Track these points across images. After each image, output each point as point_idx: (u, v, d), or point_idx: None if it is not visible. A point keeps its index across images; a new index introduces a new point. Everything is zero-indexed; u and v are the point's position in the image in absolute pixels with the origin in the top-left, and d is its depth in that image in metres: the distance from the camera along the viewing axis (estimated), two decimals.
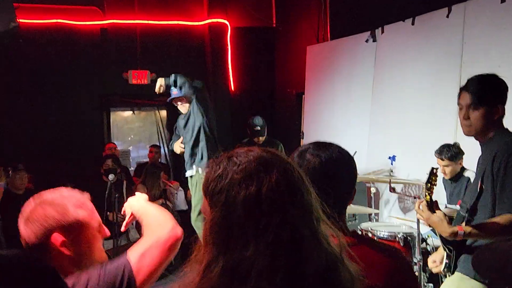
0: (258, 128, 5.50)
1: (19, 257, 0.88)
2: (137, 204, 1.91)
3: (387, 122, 5.21)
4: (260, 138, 5.50)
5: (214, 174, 0.97)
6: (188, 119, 4.98)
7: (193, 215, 4.94)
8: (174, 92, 4.94)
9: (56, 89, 6.88)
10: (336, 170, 1.34)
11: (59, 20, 6.92)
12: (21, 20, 5.49)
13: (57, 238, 1.56)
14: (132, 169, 7.09)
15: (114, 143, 6.95)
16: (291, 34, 7.63)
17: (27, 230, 1.57)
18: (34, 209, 1.60)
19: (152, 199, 6.25)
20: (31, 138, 6.31)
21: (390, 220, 4.87)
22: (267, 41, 8.04)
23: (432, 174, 2.36)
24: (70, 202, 1.61)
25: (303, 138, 6.66)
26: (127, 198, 5.64)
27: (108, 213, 5.76)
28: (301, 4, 7.23)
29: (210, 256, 0.92)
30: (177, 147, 5.12)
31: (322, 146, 1.41)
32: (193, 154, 4.97)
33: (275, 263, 0.87)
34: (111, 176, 5.55)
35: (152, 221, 1.75)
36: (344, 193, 1.37)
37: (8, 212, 5.27)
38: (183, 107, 4.97)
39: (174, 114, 7.37)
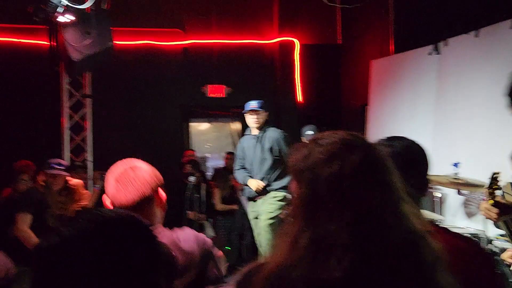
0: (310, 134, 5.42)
1: (127, 215, 0.92)
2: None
3: (451, 132, 5.04)
4: None
5: (300, 155, 0.99)
6: (263, 134, 4.77)
7: (264, 221, 4.70)
8: (253, 105, 4.84)
9: (144, 102, 7.11)
10: (412, 158, 1.34)
11: (146, 41, 7.21)
12: (115, 42, 5.68)
13: (162, 193, 1.72)
14: (209, 174, 7.18)
15: (193, 150, 7.09)
16: (355, 49, 7.57)
17: (128, 190, 1.64)
18: (133, 173, 1.69)
19: (223, 199, 6.48)
20: (123, 145, 6.51)
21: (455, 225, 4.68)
22: (333, 56, 7.99)
23: (494, 179, 2.33)
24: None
25: None
26: (206, 200, 5.99)
27: (188, 212, 5.97)
28: (366, 20, 7.16)
29: (298, 229, 0.93)
30: (254, 184, 4.73)
31: (395, 138, 1.43)
32: (270, 171, 4.73)
33: (357, 237, 0.87)
34: (191, 178, 5.80)
35: None
36: (419, 183, 1.34)
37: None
38: (260, 118, 4.79)
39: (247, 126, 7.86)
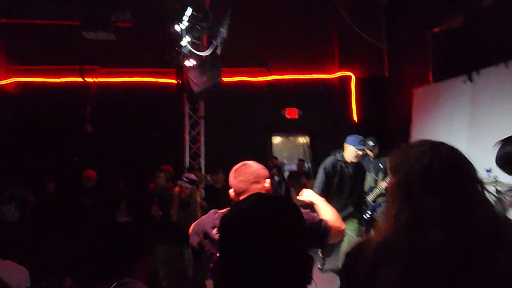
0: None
1: (278, 195, 1.09)
2: (314, 195, 1.99)
3: (484, 154, 4.47)
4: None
5: (397, 154, 1.00)
6: (361, 166, 4.37)
7: None
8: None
9: (240, 121, 7.51)
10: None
11: (241, 78, 7.83)
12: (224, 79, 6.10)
13: (267, 182, 1.75)
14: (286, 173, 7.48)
15: (276, 158, 7.42)
16: (399, 80, 7.54)
17: (242, 177, 1.70)
18: (245, 166, 1.76)
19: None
20: (226, 153, 6.77)
21: None
22: (381, 86, 8.07)
23: None
24: None
25: None
26: (285, 194, 6.10)
27: None
28: (408, 55, 7.16)
29: (397, 208, 0.92)
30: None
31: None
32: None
33: (446, 215, 0.86)
34: (276, 178, 6.16)
35: (328, 210, 1.85)
36: None
37: (211, 199, 5.72)
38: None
39: (316, 140, 8.15)
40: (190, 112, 7.12)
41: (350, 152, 4.09)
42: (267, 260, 0.77)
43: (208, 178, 6.35)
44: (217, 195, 5.78)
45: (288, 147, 8.64)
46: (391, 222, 0.93)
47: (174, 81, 6.67)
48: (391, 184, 1.00)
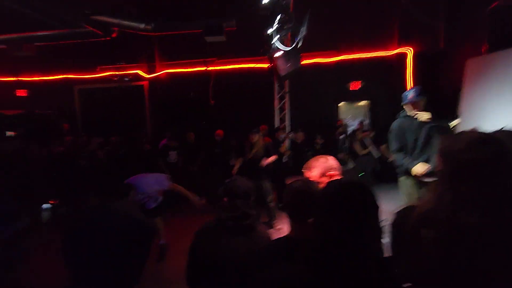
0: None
1: (355, 180, 0.88)
2: None
3: None
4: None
5: (448, 142, 0.86)
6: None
7: None
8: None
9: (314, 93, 7.21)
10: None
11: (315, 60, 7.34)
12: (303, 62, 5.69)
13: (331, 175, 1.67)
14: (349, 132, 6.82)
15: (341, 120, 6.99)
16: (455, 54, 6.31)
17: (314, 172, 1.65)
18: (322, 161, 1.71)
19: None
20: (304, 118, 6.87)
21: None
22: (437, 59, 6.88)
23: None
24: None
25: None
26: (349, 147, 5.65)
27: (338, 155, 5.98)
28: (463, 28, 6.02)
29: (443, 189, 0.83)
30: (420, 168, 2.71)
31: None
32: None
33: (484, 196, 0.77)
34: (342, 136, 6.02)
35: None
36: None
37: (293, 149, 5.84)
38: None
39: (374, 105, 7.50)
40: (279, 88, 7.13)
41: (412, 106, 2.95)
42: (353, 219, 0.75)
43: (291, 135, 6.46)
44: (297, 147, 5.92)
45: (351, 111, 8.08)
46: (435, 198, 0.84)
47: (266, 66, 6.48)
48: (439, 166, 0.87)
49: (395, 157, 3.02)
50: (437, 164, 0.89)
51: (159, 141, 6.93)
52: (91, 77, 8.27)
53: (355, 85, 7.56)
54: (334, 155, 6.72)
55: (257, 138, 4.68)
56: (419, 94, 2.98)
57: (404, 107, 3.13)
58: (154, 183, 3.05)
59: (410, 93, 3.03)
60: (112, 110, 8.06)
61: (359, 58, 7.37)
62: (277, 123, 7.08)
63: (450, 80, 6.40)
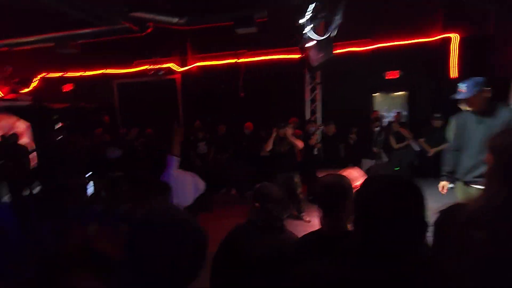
0: None
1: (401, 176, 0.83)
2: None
3: None
4: None
5: (502, 135, 0.83)
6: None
7: None
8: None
9: (348, 83, 6.97)
10: None
11: (348, 49, 7.05)
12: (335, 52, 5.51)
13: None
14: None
15: (377, 111, 6.75)
16: (505, 39, 5.93)
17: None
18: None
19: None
20: (338, 110, 6.61)
21: None
22: (486, 44, 6.35)
23: None
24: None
25: None
26: (384, 140, 5.40)
27: (373, 148, 5.87)
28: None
29: (496, 187, 0.80)
30: (442, 185, 2.57)
31: None
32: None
33: None
34: (377, 128, 5.82)
35: None
36: None
37: (323, 142, 5.82)
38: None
39: (414, 95, 7.06)
40: (310, 80, 6.99)
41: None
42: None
43: (322, 127, 6.33)
44: (328, 140, 5.77)
45: (387, 102, 7.69)
46: (486, 197, 0.81)
47: (297, 56, 6.56)
48: (491, 163, 0.84)
49: (446, 156, 2.67)
50: (488, 162, 0.84)
51: (190, 133, 7.16)
52: (128, 71, 8.66)
53: (392, 74, 7.17)
54: (368, 148, 6.30)
55: (287, 132, 4.66)
56: (475, 86, 2.30)
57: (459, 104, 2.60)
58: (193, 188, 2.68)
59: (463, 86, 2.37)
60: (147, 103, 8.42)
61: (397, 45, 6.97)
62: (308, 115, 6.99)
63: (501, 67, 5.89)
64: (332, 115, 6.36)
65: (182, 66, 8.33)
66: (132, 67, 8.63)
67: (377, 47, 7.07)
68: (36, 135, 7.12)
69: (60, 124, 7.44)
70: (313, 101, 7.04)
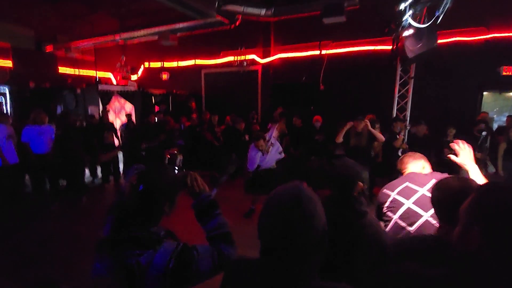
0: None
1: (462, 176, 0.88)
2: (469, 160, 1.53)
3: None
4: None
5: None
6: None
7: None
8: None
9: (451, 79, 6.17)
10: None
11: (455, 39, 6.18)
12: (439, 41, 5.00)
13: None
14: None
15: (486, 112, 5.73)
16: None
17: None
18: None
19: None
20: (433, 109, 6.03)
21: None
22: None
23: None
24: None
25: None
26: (489, 146, 4.72)
27: (476, 153, 5.04)
28: None
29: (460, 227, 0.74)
30: None
31: None
32: None
33: None
34: (484, 133, 4.95)
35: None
36: None
37: (411, 145, 5.22)
38: None
39: None
40: (402, 74, 6.29)
41: None
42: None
43: (410, 127, 5.76)
44: (417, 142, 5.14)
45: (499, 103, 6.56)
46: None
47: (389, 48, 5.96)
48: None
49: None
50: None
51: (267, 123, 7.29)
52: (215, 62, 9.29)
53: (509, 70, 5.96)
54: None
55: (362, 126, 4.49)
56: None
57: None
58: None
59: None
60: (230, 92, 8.93)
61: None
62: (395, 112, 6.40)
63: None
64: (424, 115, 5.66)
65: (264, 57, 8.51)
66: (218, 57, 9.21)
67: (492, 37, 6.00)
68: (139, 115, 8.30)
69: (157, 108, 8.49)
70: (403, 97, 6.35)
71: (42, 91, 7.06)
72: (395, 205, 1.68)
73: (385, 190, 1.76)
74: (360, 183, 1.37)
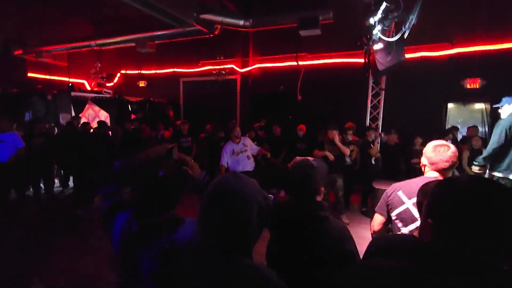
0: None
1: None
2: None
3: None
4: None
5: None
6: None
7: None
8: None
9: (416, 92, 6.46)
10: None
11: (421, 54, 6.43)
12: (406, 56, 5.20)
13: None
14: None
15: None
16: None
17: (442, 156, 1.57)
18: (445, 147, 1.60)
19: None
20: (401, 119, 6.26)
21: None
22: None
23: None
24: None
25: None
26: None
27: None
28: None
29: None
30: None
31: None
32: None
33: None
34: (449, 141, 5.34)
35: None
36: None
37: (383, 153, 5.41)
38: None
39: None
40: (373, 85, 6.51)
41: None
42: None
43: (382, 135, 5.92)
44: (388, 150, 5.38)
45: (463, 114, 6.87)
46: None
47: (361, 61, 6.22)
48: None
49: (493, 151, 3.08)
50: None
51: (246, 131, 7.31)
52: (194, 71, 9.25)
53: (473, 83, 6.33)
54: None
55: (334, 135, 4.60)
56: None
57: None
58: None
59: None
60: (209, 101, 8.89)
61: (480, 51, 6.16)
62: (368, 121, 6.58)
63: None
64: (395, 125, 5.89)
65: (243, 67, 8.59)
66: (197, 66, 9.19)
67: (456, 52, 6.36)
68: (114, 124, 8.04)
69: (133, 116, 8.27)
70: (375, 107, 6.57)
71: (10, 97, 6.70)
72: (395, 203, 1.65)
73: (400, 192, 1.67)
74: (322, 187, 1.33)
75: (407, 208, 1.59)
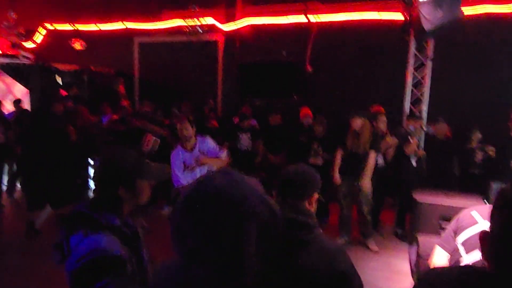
0: None
1: None
2: None
3: None
4: None
5: None
6: None
7: None
8: None
9: (476, 65, 6.47)
10: None
11: (485, 10, 6.48)
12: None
13: None
14: None
15: None
16: None
17: None
18: None
19: None
20: (454, 101, 6.27)
21: None
22: None
23: None
24: None
25: None
26: None
27: None
28: None
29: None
30: None
31: None
32: None
33: None
34: None
35: None
36: None
37: (430, 150, 5.57)
38: None
39: None
40: (416, 53, 6.46)
41: None
42: None
43: (427, 127, 6.00)
44: (436, 146, 5.49)
45: None
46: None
47: (400, 17, 6.24)
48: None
49: None
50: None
51: (231, 118, 7.28)
52: (156, 28, 9.12)
53: None
54: (503, 166, 5.74)
55: (361, 124, 4.70)
56: None
57: None
58: None
59: None
60: (177, 71, 8.81)
61: None
62: (407, 107, 6.55)
63: None
64: (447, 111, 5.95)
65: (227, 22, 8.50)
66: (160, 19, 9.05)
67: None
68: (36, 103, 7.88)
69: (64, 93, 8.12)
70: (417, 85, 6.58)
71: None
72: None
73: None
74: (316, 194, 1.60)
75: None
